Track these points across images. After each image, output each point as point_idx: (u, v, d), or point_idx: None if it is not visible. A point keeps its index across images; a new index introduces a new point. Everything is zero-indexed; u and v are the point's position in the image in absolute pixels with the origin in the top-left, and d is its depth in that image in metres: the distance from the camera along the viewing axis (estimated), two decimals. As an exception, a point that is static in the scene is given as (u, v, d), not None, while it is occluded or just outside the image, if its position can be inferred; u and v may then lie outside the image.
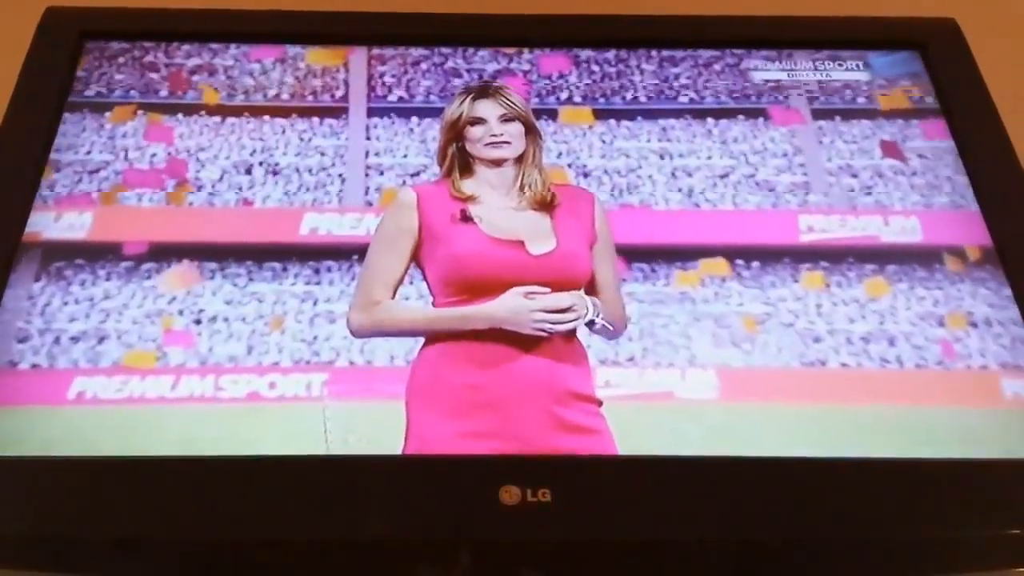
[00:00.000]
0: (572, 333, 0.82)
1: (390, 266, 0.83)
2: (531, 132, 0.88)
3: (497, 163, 0.87)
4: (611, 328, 0.83)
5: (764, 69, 1.00)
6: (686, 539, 0.68)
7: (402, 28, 0.99)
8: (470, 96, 0.88)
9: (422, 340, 0.82)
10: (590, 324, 0.82)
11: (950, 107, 0.93)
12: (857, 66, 1.01)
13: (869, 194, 0.93)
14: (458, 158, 0.87)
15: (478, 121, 0.87)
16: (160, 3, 0.99)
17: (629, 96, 1.00)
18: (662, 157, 0.96)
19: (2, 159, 0.87)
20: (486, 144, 0.87)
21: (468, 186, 0.87)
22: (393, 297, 0.83)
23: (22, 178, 0.85)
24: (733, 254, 0.89)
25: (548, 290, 0.81)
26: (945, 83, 0.94)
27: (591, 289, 0.84)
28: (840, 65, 1.01)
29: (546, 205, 0.86)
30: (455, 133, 0.88)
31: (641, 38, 0.99)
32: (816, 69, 1.01)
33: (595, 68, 1.01)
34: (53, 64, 0.91)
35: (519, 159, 0.88)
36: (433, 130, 0.94)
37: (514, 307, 0.80)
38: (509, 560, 0.68)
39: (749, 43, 0.99)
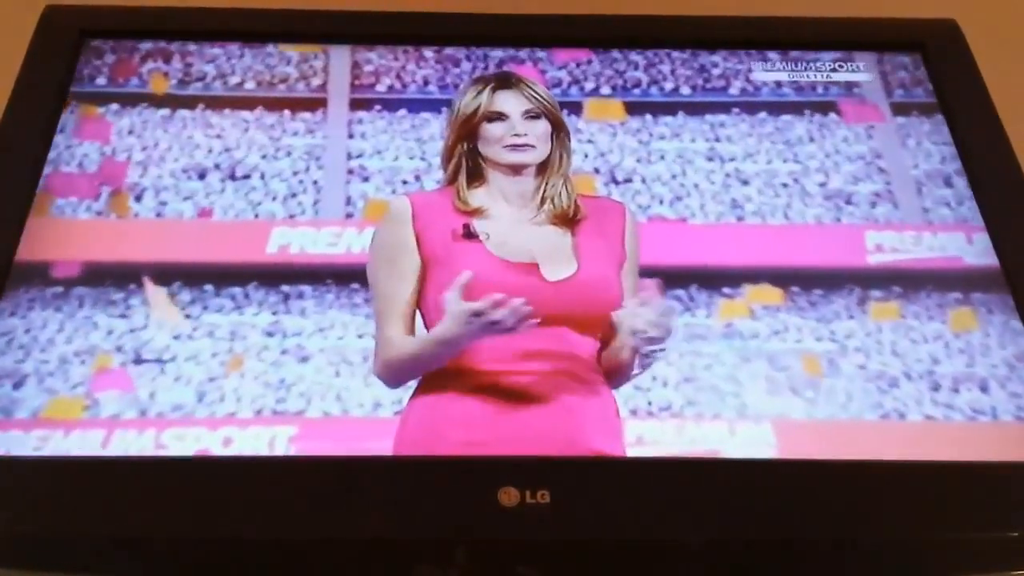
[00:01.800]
0: (597, 378, 0.74)
1: (395, 293, 0.75)
2: (559, 133, 0.80)
3: (516, 170, 0.78)
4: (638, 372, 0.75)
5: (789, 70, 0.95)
6: (686, 540, 0.68)
7: (389, 28, 0.96)
8: (489, 86, 0.80)
9: (413, 386, 0.74)
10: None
11: (950, 108, 0.91)
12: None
13: (948, 206, 0.86)
14: (467, 161, 0.79)
15: (498, 117, 0.79)
16: (162, 1, 0.97)
17: (669, 87, 0.93)
18: (711, 160, 0.88)
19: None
20: (505, 146, 0.78)
21: (477, 197, 0.78)
22: (411, 329, 0.74)
23: (19, 180, 0.83)
24: (786, 279, 0.81)
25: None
26: (945, 84, 0.93)
27: None
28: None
29: (568, 221, 0.78)
30: (468, 130, 0.79)
31: (632, 37, 0.96)
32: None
33: (617, 56, 0.94)
34: (52, 63, 0.91)
35: (542, 166, 0.79)
36: (430, 127, 0.88)
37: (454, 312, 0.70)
38: (508, 562, 0.69)
39: (744, 44, 0.96)
